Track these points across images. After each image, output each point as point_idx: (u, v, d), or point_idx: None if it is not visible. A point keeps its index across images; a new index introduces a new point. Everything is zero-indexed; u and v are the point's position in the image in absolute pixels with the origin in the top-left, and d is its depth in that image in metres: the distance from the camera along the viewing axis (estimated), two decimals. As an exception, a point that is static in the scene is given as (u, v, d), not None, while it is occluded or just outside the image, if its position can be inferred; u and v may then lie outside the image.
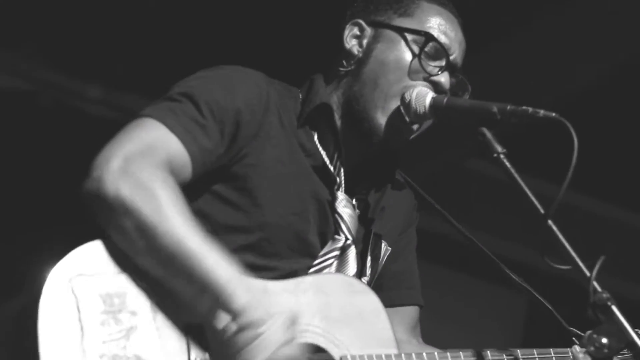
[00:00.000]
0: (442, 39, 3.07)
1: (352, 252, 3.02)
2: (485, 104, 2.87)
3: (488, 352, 2.95)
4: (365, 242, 3.10)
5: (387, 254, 3.17)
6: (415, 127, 3.06)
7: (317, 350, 2.77)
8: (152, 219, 2.56)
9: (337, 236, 3.00)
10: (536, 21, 5.65)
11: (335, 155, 3.04)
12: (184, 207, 2.61)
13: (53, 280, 2.53)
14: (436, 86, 3.04)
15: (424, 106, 2.98)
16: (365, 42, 3.10)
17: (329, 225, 3.00)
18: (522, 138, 4.35)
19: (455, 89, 3.11)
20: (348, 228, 3.01)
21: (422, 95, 2.99)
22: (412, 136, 3.09)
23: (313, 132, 3.04)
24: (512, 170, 2.75)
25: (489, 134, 2.82)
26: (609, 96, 6.00)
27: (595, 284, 2.56)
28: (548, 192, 2.66)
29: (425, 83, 3.04)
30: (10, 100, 5.28)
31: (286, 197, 2.92)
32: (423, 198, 3.25)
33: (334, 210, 3.01)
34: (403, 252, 3.24)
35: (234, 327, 2.58)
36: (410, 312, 3.22)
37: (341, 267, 2.99)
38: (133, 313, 2.59)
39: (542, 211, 2.68)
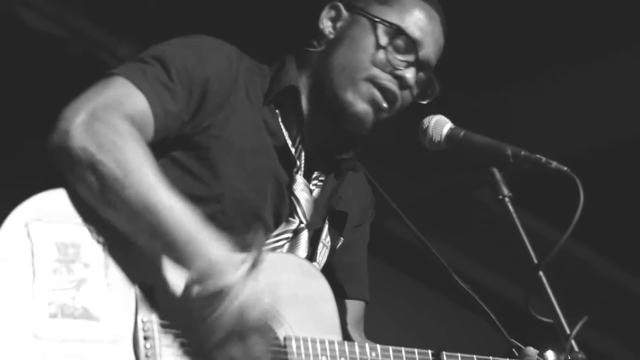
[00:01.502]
0: (416, 34, 3.04)
1: (304, 236, 3.02)
2: (500, 146, 2.88)
3: (444, 352, 2.95)
4: (319, 228, 3.10)
5: (339, 245, 3.16)
6: (386, 114, 3.03)
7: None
8: (118, 171, 2.56)
9: (291, 218, 3.00)
10: (559, 74, 5.65)
11: (298, 138, 3.03)
12: (150, 160, 2.61)
13: (10, 221, 2.53)
14: (400, 81, 3.02)
15: (440, 135, 2.99)
16: (339, 25, 3.08)
17: (285, 207, 3.00)
18: (532, 179, 4.36)
19: (423, 87, 3.09)
20: (303, 212, 3.01)
21: (440, 125, 3.00)
22: (374, 120, 3.04)
23: (278, 111, 3.03)
24: (514, 216, 2.77)
25: (498, 175, 2.84)
26: (624, 157, 6.00)
27: (573, 342, 2.59)
28: (549, 235, 2.67)
29: (390, 77, 3.01)
30: (41, 43, 5.29)
31: (246, 171, 2.91)
32: (380, 195, 3.24)
33: (291, 193, 3.01)
34: (354, 245, 3.24)
35: (197, 290, 2.56)
36: (355, 306, 3.21)
37: (292, 250, 2.99)
38: (86, 265, 2.58)
39: (535, 261, 2.70)
